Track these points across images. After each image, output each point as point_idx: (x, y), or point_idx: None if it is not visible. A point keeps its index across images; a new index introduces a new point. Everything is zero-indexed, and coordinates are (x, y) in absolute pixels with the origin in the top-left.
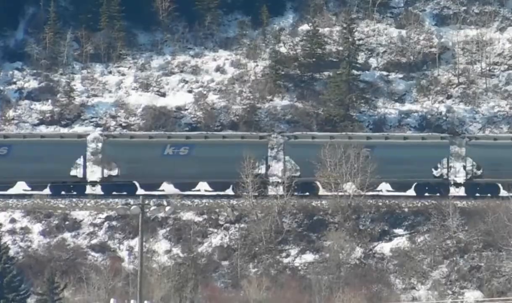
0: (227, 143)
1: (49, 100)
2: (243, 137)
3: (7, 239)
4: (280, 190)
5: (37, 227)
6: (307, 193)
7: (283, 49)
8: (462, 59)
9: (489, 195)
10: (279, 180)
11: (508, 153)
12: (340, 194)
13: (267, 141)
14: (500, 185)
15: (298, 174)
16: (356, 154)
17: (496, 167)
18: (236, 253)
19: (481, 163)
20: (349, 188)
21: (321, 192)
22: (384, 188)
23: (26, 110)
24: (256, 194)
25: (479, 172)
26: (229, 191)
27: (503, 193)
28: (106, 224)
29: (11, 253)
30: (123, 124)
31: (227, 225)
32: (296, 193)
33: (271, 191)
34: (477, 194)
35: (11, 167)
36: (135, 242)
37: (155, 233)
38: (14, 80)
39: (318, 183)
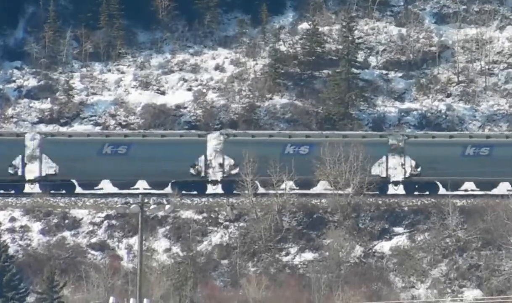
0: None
1: (49, 99)
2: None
3: (6, 237)
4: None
5: (36, 226)
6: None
7: (282, 48)
8: (462, 57)
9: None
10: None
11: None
12: (340, 192)
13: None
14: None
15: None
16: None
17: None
18: (236, 252)
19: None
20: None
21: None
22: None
23: (26, 108)
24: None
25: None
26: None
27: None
28: (105, 223)
29: (11, 251)
30: (123, 123)
31: (227, 223)
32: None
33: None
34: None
35: None
36: (134, 241)
37: (154, 231)
38: (14, 78)
39: None
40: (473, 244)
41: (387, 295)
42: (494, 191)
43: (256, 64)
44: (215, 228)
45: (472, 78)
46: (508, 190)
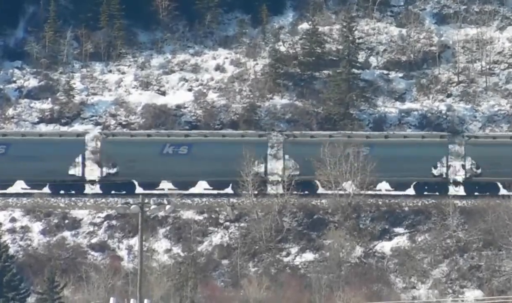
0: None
1: (49, 99)
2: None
3: (7, 237)
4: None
5: (37, 226)
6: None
7: (282, 48)
8: (462, 58)
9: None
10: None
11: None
12: (340, 192)
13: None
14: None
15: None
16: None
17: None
18: (236, 252)
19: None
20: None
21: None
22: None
23: (26, 108)
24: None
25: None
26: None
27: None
28: (105, 223)
29: (11, 251)
30: (123, 123)
31: (227, 223)
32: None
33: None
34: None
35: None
36: (134, 241)
37: (155, 231)
38: (14, 79)
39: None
40: (474, 244)
41: (388, 296)
42: None
43: (257, 64)
44: (216, 228)
45: (472, 79)
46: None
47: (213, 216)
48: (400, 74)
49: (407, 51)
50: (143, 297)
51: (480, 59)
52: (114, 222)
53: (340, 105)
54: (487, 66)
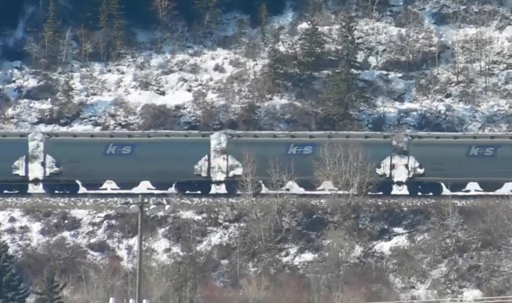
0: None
1: (48, 99)
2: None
3: (6, 237)
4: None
5: (36, 226)
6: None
7: (282, 48)
8: (462, 58)
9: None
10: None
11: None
12: (339, 192)
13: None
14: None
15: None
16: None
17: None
18: (236, 252)
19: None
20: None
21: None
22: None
23: (25, 109)
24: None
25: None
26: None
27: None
28: (105, 223)
29: (10, 251)
30: (122, 123)
31: (226, 223)
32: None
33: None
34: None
35: None
36: (134, 241)
37: (154, 231)
38: (13, 79)
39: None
40: (473, 244)
41: (387, 296)
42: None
43: (256, 64)
44: (215, 228)
45: (472, 79)
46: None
47: (212, 216)
48: (399, 74)
49: (406, 51)
50: (142, 297)
51: (479, 59)
52: (113, 222)
53: (339, 106)
54: (487, 67)
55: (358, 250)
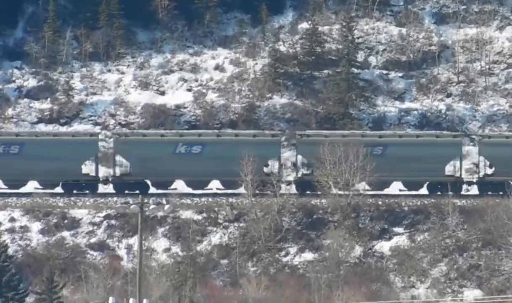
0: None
1: (48, 99)
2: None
3: (6, 237)
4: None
5: (36, 226)
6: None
7: (282, 48)
8: (462, 57)
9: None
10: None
11: None
12: (339, 192)
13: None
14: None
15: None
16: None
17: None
18: (235, 252)
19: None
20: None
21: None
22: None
23: (25, 108)
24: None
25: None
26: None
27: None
28: (105, 223)
29: (10, 251)
30: (122, 122)
31: (226, 223)
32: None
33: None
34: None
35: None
36: (134, 241)
37: (154, 231)
38: (13, 78)
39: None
40: (473, 244)
41: (387, 295)
42: None
43: (256, 64)
44: (215, 228)
45: (472, 78)
46: None
47: (212, 215)
48: (400, 74)
49: (407, 50)
50: (142, 297)
51: (479, 59)
52: (113, 222)
53: (339, 105)
54: (487, 66)
55: (358, 249)
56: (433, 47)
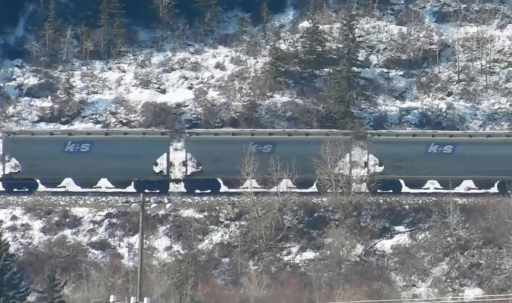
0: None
1: (49, 97)
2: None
3: (7, 236)
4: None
5: (37, 224)
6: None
7: (283, 46)
8: (463, 56)
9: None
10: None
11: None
12: (340, 191)
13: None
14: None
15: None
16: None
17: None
18: (237, 250)
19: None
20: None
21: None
22: None
23: (26, 107)
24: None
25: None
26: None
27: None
28: (106, 221)
29: (12, 250)
30: (123, 121)
31: (228, 222)
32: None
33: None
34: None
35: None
36: (135, 239)
37: (155, 230)
38: (14, 77)
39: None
40: (474, 242)
41: (388, 294)
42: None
43: (257, 62)
44: (216, 227)
45: (472, 77)
46: None
47: (213, 214)
48: (400, 73)
49: (407, 49)
50: (143, 295)
51: (480, 57)
52: (114, 220)
53: (340, 104)
54: (487, 65)
55: (359, 248)
56: (433, 46)
